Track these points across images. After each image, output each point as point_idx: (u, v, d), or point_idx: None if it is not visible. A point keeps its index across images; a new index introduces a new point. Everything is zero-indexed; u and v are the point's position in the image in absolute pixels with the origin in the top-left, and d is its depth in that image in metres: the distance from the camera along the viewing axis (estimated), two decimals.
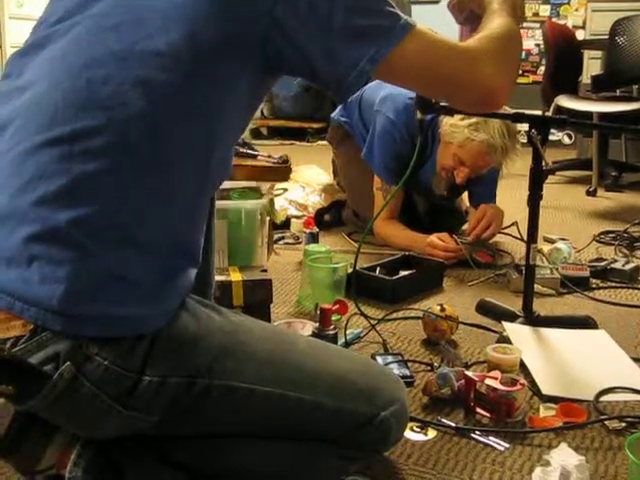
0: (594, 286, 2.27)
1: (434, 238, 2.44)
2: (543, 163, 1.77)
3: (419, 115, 1.93)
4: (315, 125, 5.81)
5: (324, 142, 4.66)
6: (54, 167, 0.95)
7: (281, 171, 2.19)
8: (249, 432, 1.10)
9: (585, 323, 1.89)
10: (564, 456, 1.20)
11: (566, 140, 5.59)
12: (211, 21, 1.00)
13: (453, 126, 2.37)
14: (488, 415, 1.42)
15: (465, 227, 2.70)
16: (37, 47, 1.06)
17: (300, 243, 2.66)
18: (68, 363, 0.94)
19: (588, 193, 3.85)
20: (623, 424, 1.40)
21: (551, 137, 4.90)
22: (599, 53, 4.65)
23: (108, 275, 0.95)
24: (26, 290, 0.93)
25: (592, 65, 4.85)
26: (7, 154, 0.98)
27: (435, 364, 1.64)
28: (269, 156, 2.21)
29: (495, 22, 1.22)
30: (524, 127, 1.86)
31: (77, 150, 0.95)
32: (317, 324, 1.67)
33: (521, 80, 5.43)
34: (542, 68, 5.25)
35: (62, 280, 0.92)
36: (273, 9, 1.01)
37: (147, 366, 0.98)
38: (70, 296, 0.93)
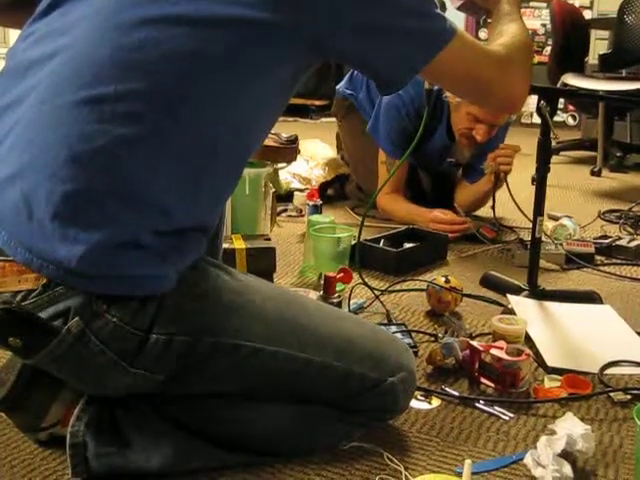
0: (599, 262, 2.26)
1: (438, 213, 2.43)
2: (552, 135, 1.75)
3: (427, 85, 1.91)
4: (318, 102, 5.77)
5: (327, 119, 4.65)
6: (93, 126, 0.93)
7: (286, 152, 2.13)
8: (255, 392, 1.09)
9: (590, 298, 1.88)
10: (570, 425, 1.18)
11: (570, 121, 5.56)
12: (268, 4, 0.98)
13: None
14: (492, 385, 1.41)
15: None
16: None
17: (303, 216, 2.64)
18: (77, 318, 0.94)
19: (593, 173, 3.83)
20: (628, 396, 1.39)
21: (555, 118, 4.89)
22: (606, 33, 4.60)
23: (130, 241, 0.94)
24: (45, 247, 0.92)
25: (599, 45, 4.81)
26: (42, 105, 0.95)
27: (439, 335, 1.63)
28: (276, 134, 2.15)
29: (513, 27, 1.28)
30: (530, 107, 1.84)
31: (119, 112, 0.93)
32: (321, 292, 1.66)
33: None
34: (548, 49, 5.20)
35: (83, 243, 0.92)
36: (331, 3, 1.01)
37: (155, 324, 0.97)
38: (90, 258, 0.92)
